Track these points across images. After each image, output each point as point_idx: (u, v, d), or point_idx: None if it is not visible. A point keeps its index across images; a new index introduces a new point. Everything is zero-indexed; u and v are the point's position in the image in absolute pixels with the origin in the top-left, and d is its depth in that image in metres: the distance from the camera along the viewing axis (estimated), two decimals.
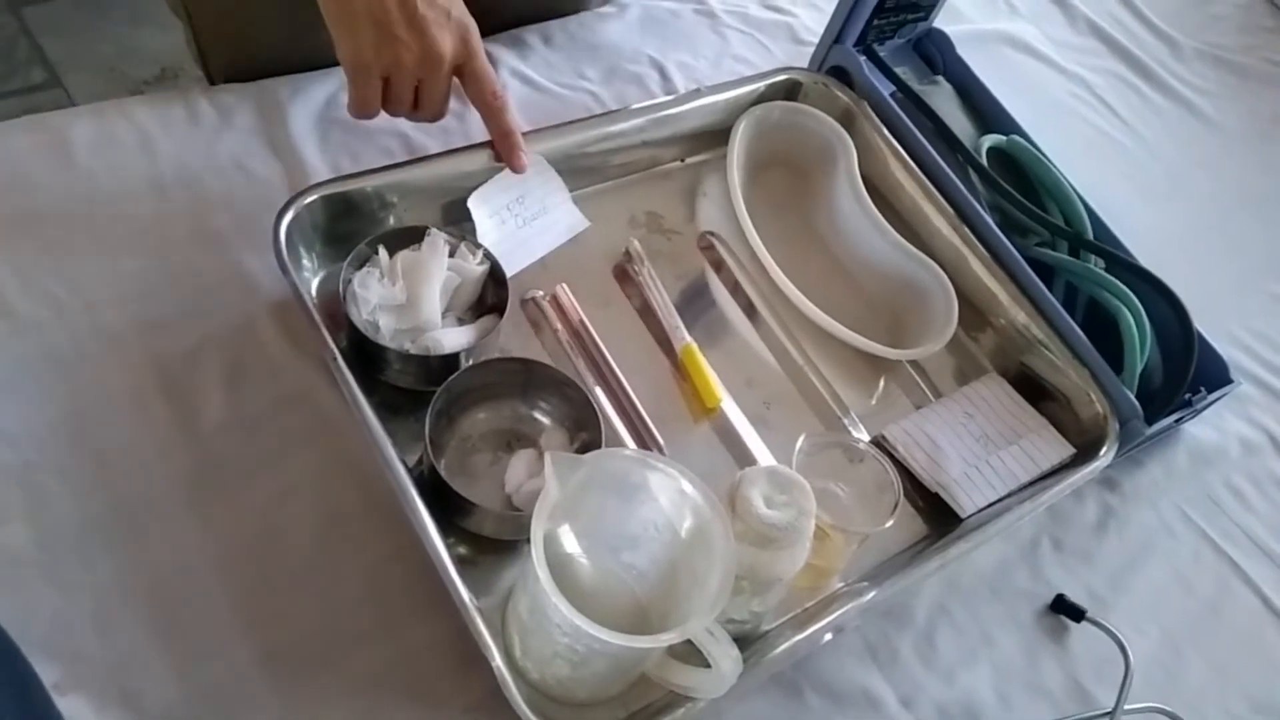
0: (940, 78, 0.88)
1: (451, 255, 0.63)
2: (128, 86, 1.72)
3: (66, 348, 0.60)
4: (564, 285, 0.70)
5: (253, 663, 0.53)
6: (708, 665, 0.50)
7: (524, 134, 0.70)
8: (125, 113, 0.72)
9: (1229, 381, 0.78)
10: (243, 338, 0.63)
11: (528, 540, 0.47)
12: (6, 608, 0.49)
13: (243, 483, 0.58)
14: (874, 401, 0.73)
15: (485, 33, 0.83)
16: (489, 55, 0.83)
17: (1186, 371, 0.72)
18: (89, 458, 0.57)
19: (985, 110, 0.87)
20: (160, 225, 0.67)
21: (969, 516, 0.67)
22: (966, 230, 0.78)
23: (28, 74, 1.72)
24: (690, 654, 0.51)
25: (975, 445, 0.70)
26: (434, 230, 0.63)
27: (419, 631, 0.56)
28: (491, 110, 0.67)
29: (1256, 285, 0.98)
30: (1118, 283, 0.77)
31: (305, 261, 0.64)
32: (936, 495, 0.68)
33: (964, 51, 0.89)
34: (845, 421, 0.71)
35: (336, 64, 0.76)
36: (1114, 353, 0.74)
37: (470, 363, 0.61)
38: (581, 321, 0.69)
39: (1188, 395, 0.74)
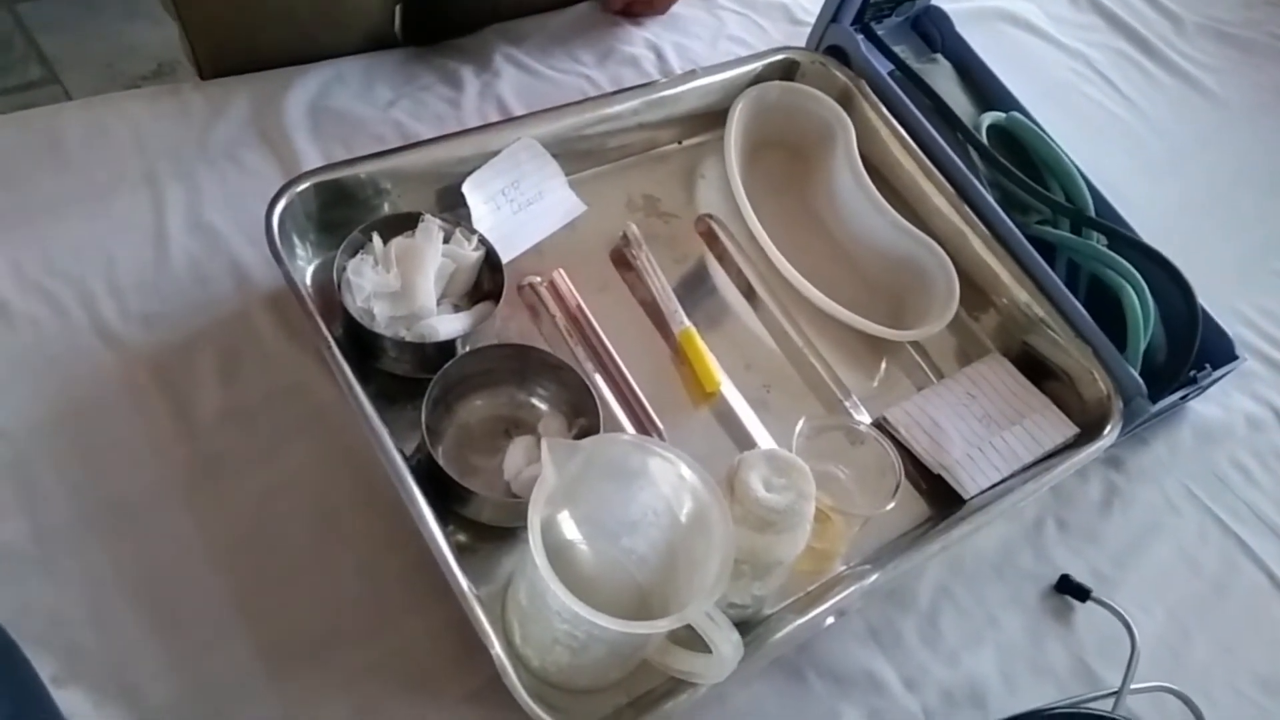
0: (939, 56, 0.87)
1: (446, 241, 0.63)
2: (124, 82, 1.71)
3: (61, 342, 0.60)
4: (561, 270, 0.69)
5: (251, 654, 0.52)
6: (709, 650, 0.50)
7: (519, 118, 0.70)
8: (116, 107, 0.71)
9: (1234, 358, 0.77)
10: (238, 329, 0.63)
11: (526, 527, 0.46)
12: (4, 602, 0.49)
13: (239, 474, 0.58)
14: (875, 383, 0.73)
15: (485, 24, 0.84)
16: (484, 45, 0.83)
17: (1191, 348, 0.72)
18: (85, 452, 0.57)
19: (985, 88, 0.86)
20: (154, 219, 0.66)
21: (972, 498, 0.67)
22: (967, 209, 0.77)
23: (24, 71, 1.71)
24: (692, 639, 0.50)
25: (978, 426, 0.70)
26: (428, 216, 0.62)
27: (418, 620, 0.55)
28: None
29: (1261, 261, 0.97)
30: (1120, 260, 0.76)
31: (299, 250, 0.64)
32: (939, 477, 0.67)
33: (963, 29, 0.88)
34: (846, 404, 0.71)
35: (323, 59, 0.76)
36: (1117, 330, 0.73)
37: (466, 349, 0.61)
38: (579, 306, 0.68)
39: (1192, 372, 0.74)
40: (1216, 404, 0.82)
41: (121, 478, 0.56)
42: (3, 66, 1.69)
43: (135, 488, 0.56)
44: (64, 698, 0.49)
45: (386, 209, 0.67)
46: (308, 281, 0.64)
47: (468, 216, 0.67)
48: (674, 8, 0.92)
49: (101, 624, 0.52)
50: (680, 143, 0.80)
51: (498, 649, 0.50)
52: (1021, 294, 0.74)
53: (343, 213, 0.65)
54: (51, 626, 0.51)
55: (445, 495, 0.56)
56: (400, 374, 0.61)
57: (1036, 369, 0.74)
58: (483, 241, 0.64)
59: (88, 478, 0.56)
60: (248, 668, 0.52)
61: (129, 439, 0.57)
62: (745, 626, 0.56)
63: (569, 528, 0.56)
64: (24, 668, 0.46)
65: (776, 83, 0.80)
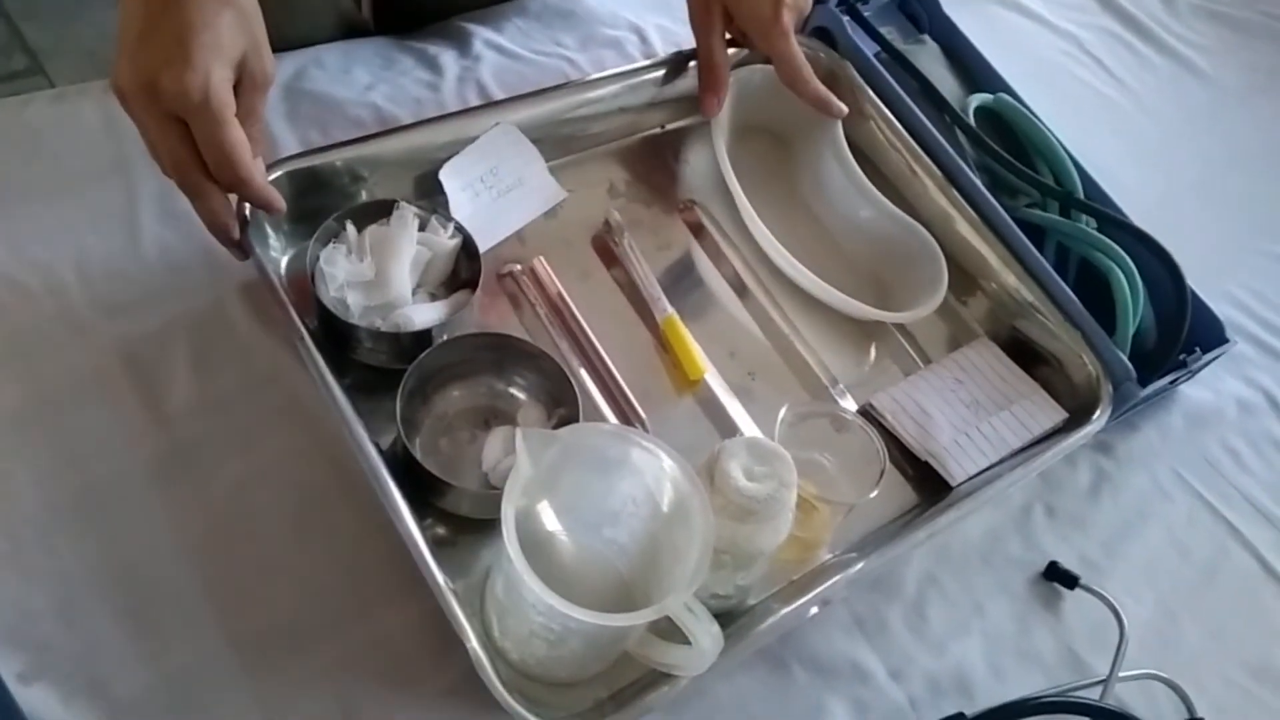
0: (926, 37, 0.86)
1: (422, 229, 0.62)
2: (109, 72, 1.70)
3: (31, 331, 0.59)
4: (541, 258, 0.68)
5: (224, 648, 0.52)
6: (689, 642, 0.49)
7: (499, 102, 0.69)
8: (89, 95, 0.70)
9: (1224, 341, 0.77)
10: (211, 319, 0.62)
11: None
12: None
13: (212, 466, 0.57)
14: (863, 370, 0.72)
15: (460, 10, 0.82)
16: (463, 30, 0.81)
17: (1180, 332, 0.71)
18: (55, 443, 0.56)
19: (973, 69, 0.85)
20: (126, 207, 0.65)
21: (959, 484, 0.66)
22: (954, 192, 0.76)
23: (8, 60, 1.69)
24: (675, 631, 0.49)
25: (966, 412, 0.69)
26: (403, 204, 0.61)
27: (395, 613, 0.54)
28: None
29: (1253, 243, 0.96)
30: (1110, 242, 0.75)
31: (273, 240, 0.63)
32: (926, 463, 0.67)
33: (950, 9, 0.87)
34: (833, 391, 0.70)
35: (298, 47, 0.75)
36: (1107, 314, 0.72)
37: (444, 339, 0.60)
38: (560, 295, 0.67)
39: (1182, 356, 0.73)
40: (1207, 388, 0.82)
41: (92, 469, 0.55)
42: None
43: (106, 479, 0.55)
44: (32, 694, 0.48)
45: (364, 196, 0.66)
46: (282, 271, 0.63)
47: (446, 204, 0.66)
48: None
49: (71, 619, 0.51)
50: (663, 127, 0.79)
51: (473, 643, 0.49)
52: (1010, 278, 0.74)
53: (318, 200, 0.63)
54: (19, 621, 0.50)
55: (423, 487, 0.55)
56: (376, 365, 0.60)
57: (1025, 354, 0.73)
58: (459, 229, 0.63)
59: (57, 469, 0.55)
60: (220, 660, 0.51)
61: (99, 429, 0.56)
62: (729, 617, 0.55)
63: (549, 519, 0.55)
64: None
65: (760, 66, 0.79)
